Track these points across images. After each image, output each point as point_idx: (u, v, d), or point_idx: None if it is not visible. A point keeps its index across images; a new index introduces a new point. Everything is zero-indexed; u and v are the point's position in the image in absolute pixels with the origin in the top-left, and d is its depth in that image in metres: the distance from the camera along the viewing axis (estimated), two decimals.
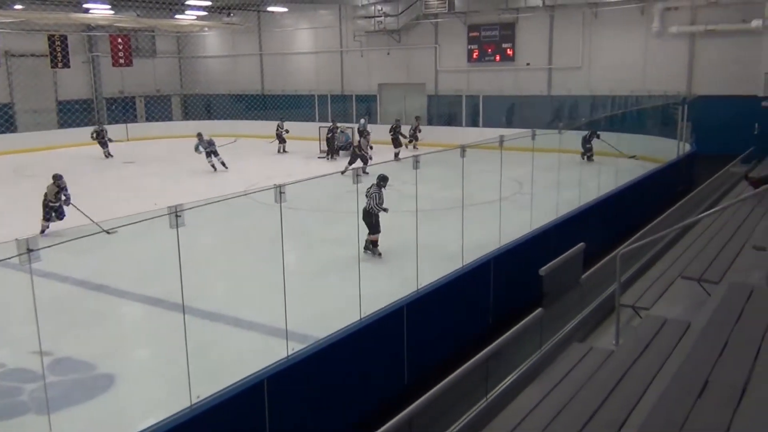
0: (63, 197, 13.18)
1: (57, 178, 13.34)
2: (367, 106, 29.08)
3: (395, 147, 22.80)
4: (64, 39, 28.62)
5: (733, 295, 5.36)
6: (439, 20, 27.50)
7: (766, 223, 7.99)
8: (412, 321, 7.11)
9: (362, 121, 23.71)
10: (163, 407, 5.32)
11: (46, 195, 13.16)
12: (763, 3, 20.16)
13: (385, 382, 6.94)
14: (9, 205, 16.44)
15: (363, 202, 10.93)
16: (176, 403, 5.16)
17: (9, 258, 4.57)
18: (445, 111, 27.92)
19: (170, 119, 33.69)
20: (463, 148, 9.97)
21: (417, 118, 25.58)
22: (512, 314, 7.43)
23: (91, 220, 11.95)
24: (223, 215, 11.38)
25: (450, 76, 27.70)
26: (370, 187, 10.97)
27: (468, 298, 8.24)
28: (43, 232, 12.80)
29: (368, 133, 21.00)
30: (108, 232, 9.96)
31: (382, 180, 11.24)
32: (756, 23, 20.34)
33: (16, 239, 4.58)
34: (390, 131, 23.39)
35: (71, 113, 30.05)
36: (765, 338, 4.34)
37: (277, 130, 25.54)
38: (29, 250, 4.65)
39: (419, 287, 7.51)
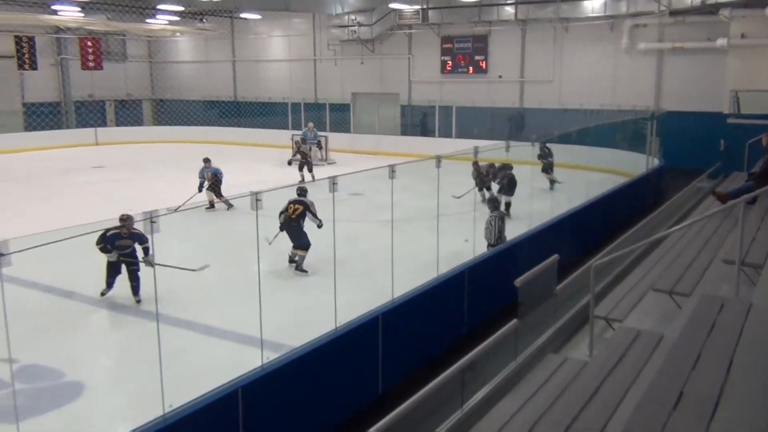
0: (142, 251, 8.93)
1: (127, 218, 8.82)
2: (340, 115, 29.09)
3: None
4: (31, 41, 28.13)
5: (705, 308, 5.45)
6: (413, 31, 27.68)
7: (735, 237, 8.18)
8: (387, 331, 7.10)
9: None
10: (134, 416, 5.22)
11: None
12: (728, 22, 20.71)
13: (359, 392, 6.91)
14: None
15: (350, 211, 10.66)
16: (148, 412, 5.07)
17: None
18: (419, 121, 28.04)
19: (141, 124, 33.29)
20: (438, 159, 10.02)
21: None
22: (487, 325, 7.47)
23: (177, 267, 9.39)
24: (196, 222, 11.26)
25: (423, 86, 27.86)
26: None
27: (443, 308, 8.25)
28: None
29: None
30: (195, 270, 9.41)
31: (495, 202, 10.74)
32: (721, 42, 20.88)
33: None
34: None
35: (38, 116, 29.48)
36: (737, 350, 4.41)
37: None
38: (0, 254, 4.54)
39: (394, 297, 7.51)
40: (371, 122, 28.46)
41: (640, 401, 4.16)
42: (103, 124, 31.88)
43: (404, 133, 27.87)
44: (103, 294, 9.27)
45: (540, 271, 7.01)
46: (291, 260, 11.02)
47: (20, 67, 28.24)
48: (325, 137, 24.63)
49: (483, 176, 15.86)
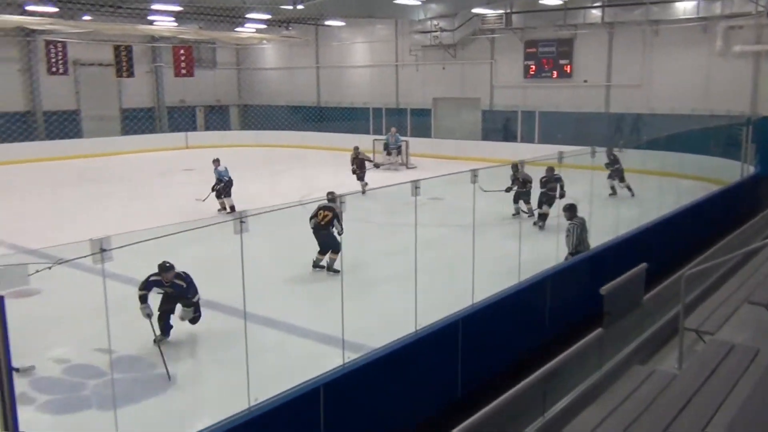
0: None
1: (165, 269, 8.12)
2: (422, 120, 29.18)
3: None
4: (129, 49, 29.61)
5: None
6: (495, 36, 27.44)
7: None
8: (467, 335, 7.07)
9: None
10: (220, 409, 5.39)
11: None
12: None
13: (438, 395, 6.91)
14: (73, 207, 17.09)
15: (430, 216, 10.52)
16: (234, 405, 5.23)
17: (83, 257, 4.74)
18: (500, 126, 27.75)
19: (229, 129, 34.48)
20: (521, 164, 9.93)
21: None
22: (569, 333, 7.31)
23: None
24: (279, 223, 11.49)
25: (505, 91, 27.56)
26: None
27: (524, 315, 8.15)
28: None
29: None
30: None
31: (573, 209, 10.27)
32: None
33: (90, 239, 4.74)
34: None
35: (134, 121, 31.08)
36: None
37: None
38: (102, 250, 4.82)
39: (474, 302, 7.47)
40: (452, 127, 28.41)
41: (733, 418, 4.00)
42: (194, 128, 33.26)
43: (485, 138, 27.64)
44: (156, 341, 7.95)
45: (627, 280, 6.81)
46: (315, 265, 11.21)
47: (119, 74, 29.80)
48: (406, 142, 24.82)
49: (519, 184, 14.82)
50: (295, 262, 11.70)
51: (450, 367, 7.01)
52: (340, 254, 10.84)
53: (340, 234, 10.84)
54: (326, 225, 10.91)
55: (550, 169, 14.14)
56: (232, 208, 15.81)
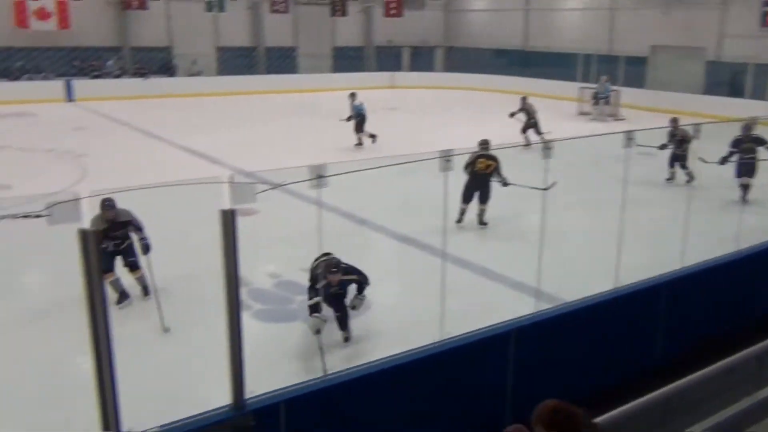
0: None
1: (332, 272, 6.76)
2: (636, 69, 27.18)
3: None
4: None
5: None
6: None
7: None
8: (672, 300, 6.65)
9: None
10: (412, 338, 5.60)
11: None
12: None
13: (634, 358, 6.62)
14: (289, 136, 18.48)
15: (638, 171, 9.67)
16: (424, 335, 5.40)
17: (303, 181, 5.10)
18: (727, 80, 25.01)
19: (432, 70, 34.76)
20: (753, 122, 8.96)
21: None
22: None
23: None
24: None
25: (736, 41, 24.65)
26: None
27: (740, 287, 7.46)
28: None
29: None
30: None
31: None
32: None
33: (310, 165, 5.08)
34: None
35: (344, 59, 32.46)
36: None
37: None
38: (320, 176, 5.15)
39: (682, 267, 6.98)
40: (670, 78, 26.15)
41: None
42: (398, 68, 33.98)
43: (708, 92, 25.10)
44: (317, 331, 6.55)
45: None
46: (460, 218, 10.48)
47: (333, 13, 31.18)
48: (617, 91, 23.41)
49: (676, 143, 12.78)
50: (493, 207, 11.68)
51: (650, 332, 6.67)
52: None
53: (505, 185, 10.28)
54: (489, 174, 10.33)
55: (747, 127, 11.67)
56: (372, 135, 16.47)
